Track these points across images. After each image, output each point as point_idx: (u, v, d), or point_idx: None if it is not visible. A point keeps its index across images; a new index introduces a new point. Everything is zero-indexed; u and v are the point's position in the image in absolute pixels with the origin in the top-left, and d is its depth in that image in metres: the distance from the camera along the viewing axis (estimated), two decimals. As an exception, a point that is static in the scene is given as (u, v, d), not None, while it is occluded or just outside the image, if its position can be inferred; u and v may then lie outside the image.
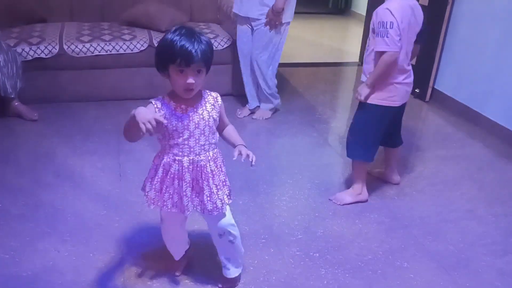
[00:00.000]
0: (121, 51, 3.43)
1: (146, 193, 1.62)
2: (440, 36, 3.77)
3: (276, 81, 3.43)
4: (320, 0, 7.53)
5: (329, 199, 2.47)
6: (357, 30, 6.05)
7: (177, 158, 1.54)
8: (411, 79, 2.32)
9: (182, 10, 3.85)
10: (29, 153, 2.76)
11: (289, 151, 3.00)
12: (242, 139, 1.68)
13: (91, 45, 3.37)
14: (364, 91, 2.25)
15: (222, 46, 3.56)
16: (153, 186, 1.59)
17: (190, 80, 1.43)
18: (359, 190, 2.46)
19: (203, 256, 1.97)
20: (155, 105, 1.50)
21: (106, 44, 3.40)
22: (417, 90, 4.03)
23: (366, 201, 2.46)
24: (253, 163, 1.59)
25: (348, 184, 2.63)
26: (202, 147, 1.55)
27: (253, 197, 2.46)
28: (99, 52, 3.39)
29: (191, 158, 1.54)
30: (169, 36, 1.43)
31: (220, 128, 1.66)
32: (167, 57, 1.43)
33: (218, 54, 3.52)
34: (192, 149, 1.54)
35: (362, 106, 2.32)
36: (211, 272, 1.87)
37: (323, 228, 2.24)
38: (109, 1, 3.86)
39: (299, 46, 5.62)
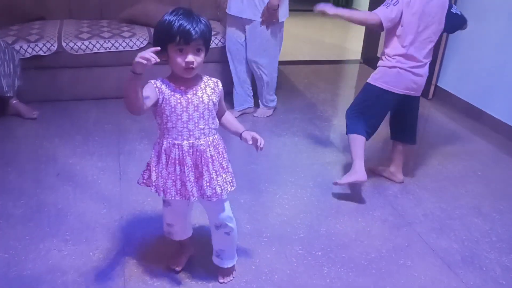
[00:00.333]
0: (121, 49, 3.43)
1: (154, 183, 1.60)
2: (442, 33, 3.76)
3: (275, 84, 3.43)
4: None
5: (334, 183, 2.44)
6: (358, 28, 6.04)
7: (176, 142, 1.54)
8: (421, 71, 2.35)
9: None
10: (29, 153, 2.76)
11: (291, 149, 3.01)
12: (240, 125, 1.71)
13: (90, 42, 3.38)
14: (327, 8, 2.27)
15: (223, 44, 3.57)
16: (160, 174, 1.57)
17: (190, 58, 1.44)
18: (356, 169, 2.41)
19: (204, 254, 1.97)
20: (155, 84, 1.51)
21: (105, 41, 3.41)
22: (419, 87, 4.03)
23: (364, 180, 2.39)
24: (261, 146, 1.63)
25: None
26: (202, 131, 1.55)
27: (255, 196, 2.47)
28: (98, 49, 3.40)
29: (190, 142, 1.54)
30: (167, 17, 1.44)
31: (219, 114, 1.67)
32: (165, 37, 1.44)
33: (218, 51, 3.52)
34: (191, 133, 1.54)
35: (365, 86, 2.44)
36: (212, 270, 1.88)
37: (325, 227, 2.24)
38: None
39: (299, 43, 5.63)
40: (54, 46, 3.31)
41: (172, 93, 1.51)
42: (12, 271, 1.85)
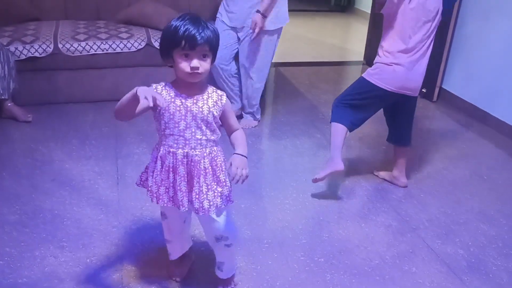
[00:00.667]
0: (118, 50, 3.44)
1: (149, 188, 1.61)
2: (447, 34, 3.78)
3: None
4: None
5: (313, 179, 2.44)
6: (361, 28, 6.06)
7: (171, 150, 1.54)
8: (419, 68, 2.36)
9: (180, 9, 3.86)
10: (24, 157, 2.76)
11: (292, 153, 3.01)
12: (245, 146, 1.62)
13: (87, 44, 3.38)
14: None
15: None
16: (154, 180, 1.59)
17: (195, 63, 1.44)
18: (332, 159, 2.40)
19: (205, 263, 1.97)
20: (155, 89, 1.51)
21: (102, 42, 3.41)
22: (424, 90, 4.03)
23: (341, 169, 2.40)
24: (234, 182, 1.54)
25: (352, 186, 2.65)
26: (199, 142, 1.54)
27: (255, 201, 2.47)
28: (95, 51, 3.40)
29: (185, 151, 1.54)
30: (174, 22, 1.45)
31: (229, 131, 1.65)
32: (171, 42, 1.44)
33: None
34: (187, 142, 1.53)
35: (359, 80, 2.46)
36: (213, 280, 1.87)
37: (328, 232, 2.24)
38: (105, 0, 3.87)
39: (301, 44, 5.64)
40: (50, 48, 3.31)
41: (173, 99, 1.51)
42: (7, 278, 1.85)
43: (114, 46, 3.42)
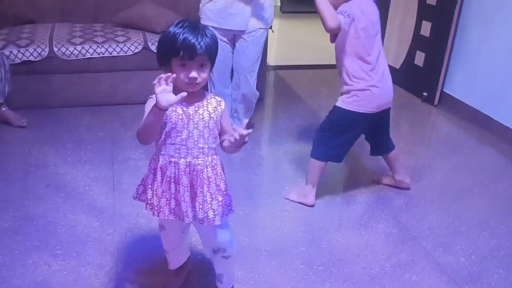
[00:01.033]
0: (115, 54, 3.45)
1: (149, 201, 1.59)
2: (449, 36, 3.79)
3: None
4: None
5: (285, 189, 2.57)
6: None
7: (173, 160, 1.52)
8: (389, 81, 2.38)
9: (178, 11, 3.87)
10: (18, 162, 2.76)
11: (291, 159, 3.01)
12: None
13: (83, 47, 3.39)
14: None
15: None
16: (155, 192, 1.56)
17: (193, 74, 1.43)
18: (306, 192, 2.49)
19: (201, 272, 1.97)
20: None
21: (98, 46, 3.42)
22: (425, 94, 4.04)
23: (311, 206, 2.48)
24: (246, 139, 1.51)
25: (352, 193, 2.65)
26: (201, 150, 1.54)
27: (254, 208, 2.47)
28: (91, 54, 3.41)
29: (188, 160, 1.52)
30: (172, 28, 1.44)
31: (221, 137, 1.62)
32: (169, 50, 1.43)
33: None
34: (190, 151, 1.52)
35: (336, 110, 2.41)
36: (210, 288, 1.88)
37: (327, 240, 2.24)
38: (101, 2, 3.88)
39: (301, 47, 5.65)
40: (45, 51, 3.32)
41: (174, 108, 1.50)
42: (-1, 287, 1.85)
43: (110, 49, 3.43)
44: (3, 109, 3.16)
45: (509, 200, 2.67)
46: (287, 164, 2.95)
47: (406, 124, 3.65)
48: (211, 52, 1.46)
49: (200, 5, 2.91)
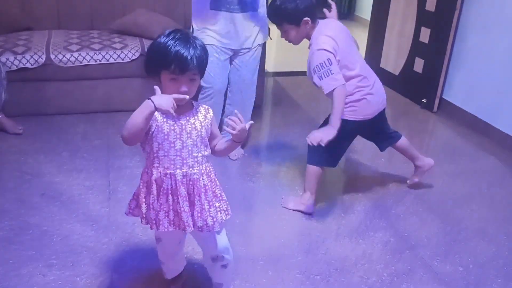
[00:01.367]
0: (112, 61, 3.46)
1: (144, 215, 1.59)
2: (448, 43, 3.81)
3: None
4: (321, 4, 7.59)
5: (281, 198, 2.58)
6: (361, 36, 6.08)
7: (168, 171, 1.52)
8: (378, 84, 2.44)
9: (175, 18, 3.89)
10: (13, 171, 2.77)
11: (289, 166, 3.02)
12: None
13: (79, 54, 3.41)
14: (327, 135, 2.19)
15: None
16: (151, 206, 1.56)
17: (184, 89, 1.45)
18: (304, 200, 2.51)
19: (197, 281, 1.98)
20: None
21: (95, 53, 3.44)
22: (424, 100, 4.06)
23: (309, 213, 2.49)
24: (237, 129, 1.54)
25: (350, 202, 2.65)
26: (196, 159, 1.55)
27: (250, 216, 2.47)
28: (88, 61, 3.42)
29: (184, 170, 1.53)
30: (163, 39, 1.43)
31: (213, 142, 1.65)
32: (160, 62, 1.44)
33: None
34: (185, 161, 1.53)
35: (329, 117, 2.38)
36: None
37: (324, 249, 2.25)
38: (98, 8, 3.90)
39: (299, 53, 5.65)
40: (42, 58, 3.34)
41: (165, 119, 1.50)
42: (-7, 298, 1.85)
43: (107, 56, 3.45)
44: (0, 116, 3.17)
45: (508, 208, 2.68)
46: (284, 172, 2.96)
47: (405, 131, 3.63)
48: (202, 65, 1.47)
49: (195, 30, 2.79)
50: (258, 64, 3.05)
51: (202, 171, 1.57)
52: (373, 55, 4.78)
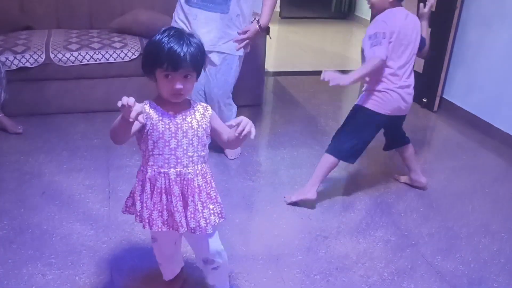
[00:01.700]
0: (111, 60, 3.46)
1: (138, 213, 1.58)
2: (448, 43, 3.80)
3: None
4: (322, 4, 7.59)
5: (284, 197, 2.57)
6: (361, 36, 6.07)
7: (162, 170, 1.51)
8: (408, 90, 2.45)
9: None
10: (13, 170, 2.76)
11: (290, 165, 3.01)
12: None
13: (79, 54, 3.40)
14: (339, 79, 2.22)
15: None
16: (145, 205, 1.55)
17: (178, 86, 1.43)
18: (307, 189, 2.52)
19: (197, 281, 1.97)
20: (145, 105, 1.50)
21: (95, 52, 3.43)
22: (424, 100, 4.05)
23: (313, 199, 2.51)
24: (251, 136, 1.48)
25: (351, 200, 2.65)
26: (191, 159, 1.53)
27: (251, 215, 2.46)
28: (88, 61, 3.42)
29: (178, 170, 1.52)
30: (157, 37, 1.43)
31: (223, 136, 1.58)
32: (153, 61, 1.43)
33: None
34: (179, 160, 1.51)
35: (354, 109, 2.52)
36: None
37: (325, 248, 2.24)
38: (98, 7, 3.89)
39: (300, 53, 5.67)
40: (42, 58, 3.33)
41: (160, 118, 1.49)
42: (-8, 297, 1.84)
43: (107, 56, 3.44)
44: (0, 115, 3.16)
45: (509, 206, 2.67)
46: (284, 171, 2.95)
47: (405, 130, 3.64)
48: (196, 62, 1.44)
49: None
50: (232, 80, 2.83)
51: (197, 172, 1.55)
52: (374, 54, 4.76)
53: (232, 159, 3.00)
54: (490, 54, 3.53)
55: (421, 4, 2.54)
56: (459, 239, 2.35)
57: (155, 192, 1.53)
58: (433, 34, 3.90)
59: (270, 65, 4.83)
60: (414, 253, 2.23)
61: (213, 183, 1.61)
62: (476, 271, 2.13)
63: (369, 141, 2.53)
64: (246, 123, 1.45)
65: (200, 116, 1.54)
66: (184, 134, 1.51)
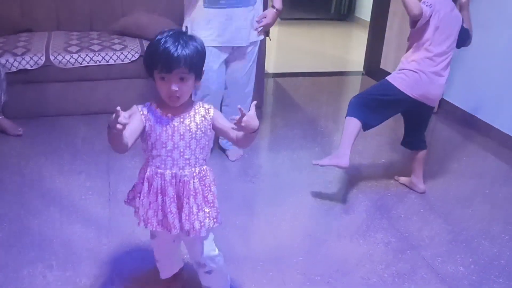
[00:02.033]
0: (111, 62, 3.46)
1: (137, 209, 1.61)
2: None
3: None
4: (321, 5, 7.59)
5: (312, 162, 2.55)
6: (361, 37, 6.09)
7: (159, 171, 1.53)
8: (440, 80, 2.49)
9: (175, 19, 3.89)
10: (13, 173, 2.77)
11: (290, 167, 3.02)
12: None
13: (79, 56, 3.41)
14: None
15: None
16: (142, 202, 1.57)
17: (174, 87, 1.42)
18: (340, 154, 2.49)
19: (198, 281, 1.97)
20: (141, 112, 1.51)
21: (95, 54, 3.44)
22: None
23: (346, 166, 2.48)
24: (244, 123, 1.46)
25: (351, 202, 2.65)
26: (187, 161, 1.53)
27: (251, 217, 2.47)
28: (88, 63, 3.42)
29: (173, 171, 1.53)
30: (156, 38, 1.44)
31: (230, 135, 1.56)
32: (150, 61, 1.44)
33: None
34: (175, 162, 1.52)
35: (383, 82, 2.56)
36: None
37: (325, 250, 2.24)
38: (98, 9, 3.90)
39: (299, 54, 5.67)
40: (42, 60, 3.33)
41: (158, 119, 1.51)
42: (-7, 300, 1.85)
43: (107, 58, 3.45)
44: (0, 118, 3.17)
45: (509, 208, 2.67)
46: (285, 173, 2.95)
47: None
48: (192, 64, 1.43)
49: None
50: (254, 70, 2.96)
51: (194, 174, 1.55)
52: (373, 55, 4.78)
53: (233, 161, 3.01)
54: (490, 55, 3.54)
55: None
56: (459, 242, 2.35)
57: (151, 192, 1.55)
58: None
59: (270, 66, 4.84)
60: (414, 255, 2.24)
61: (212, 187, 1.60)
62: (477, 273, 2.13)
63: (387, 118, 2.57)
64: (247, 119, 1.45)
65: (200, 119, 1.54)
66: (181, 137, 1.51)
